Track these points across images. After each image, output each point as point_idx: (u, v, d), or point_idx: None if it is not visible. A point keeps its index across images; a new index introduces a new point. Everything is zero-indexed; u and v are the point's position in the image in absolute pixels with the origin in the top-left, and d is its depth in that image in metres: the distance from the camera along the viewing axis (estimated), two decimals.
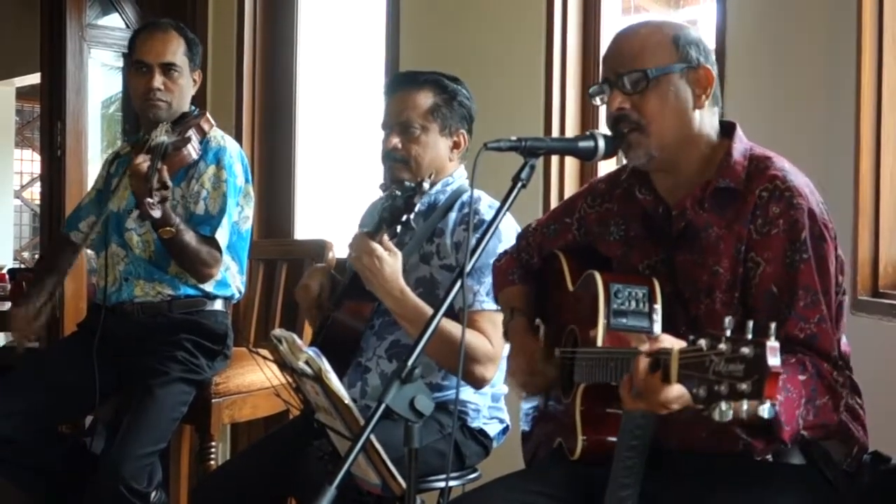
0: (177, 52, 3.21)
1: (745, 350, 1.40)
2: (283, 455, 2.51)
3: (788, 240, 1.83)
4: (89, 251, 3.44)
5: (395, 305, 2.47)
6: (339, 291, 2.68)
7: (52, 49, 4.78)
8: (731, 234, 1.88)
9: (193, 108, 3.30)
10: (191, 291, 3.19)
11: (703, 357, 1.45)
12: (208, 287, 3.21)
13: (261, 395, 3.30)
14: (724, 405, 1.41)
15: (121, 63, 5.03)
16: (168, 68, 3.19)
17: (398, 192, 2.39)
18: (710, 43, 2.15)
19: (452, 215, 2.65)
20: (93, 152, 4.96)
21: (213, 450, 3.23)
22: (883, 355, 2.39)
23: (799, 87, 2.74)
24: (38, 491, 3.16)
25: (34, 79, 7.32)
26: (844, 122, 2.60)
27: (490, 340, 2.50)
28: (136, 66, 3.21)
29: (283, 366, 2.17)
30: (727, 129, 1.97)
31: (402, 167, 2.61)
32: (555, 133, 3.40)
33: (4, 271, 7.37)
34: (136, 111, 3.37)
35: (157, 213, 2.87)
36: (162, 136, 3.08)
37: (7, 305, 6.64)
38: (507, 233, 2.54)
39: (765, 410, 1.40)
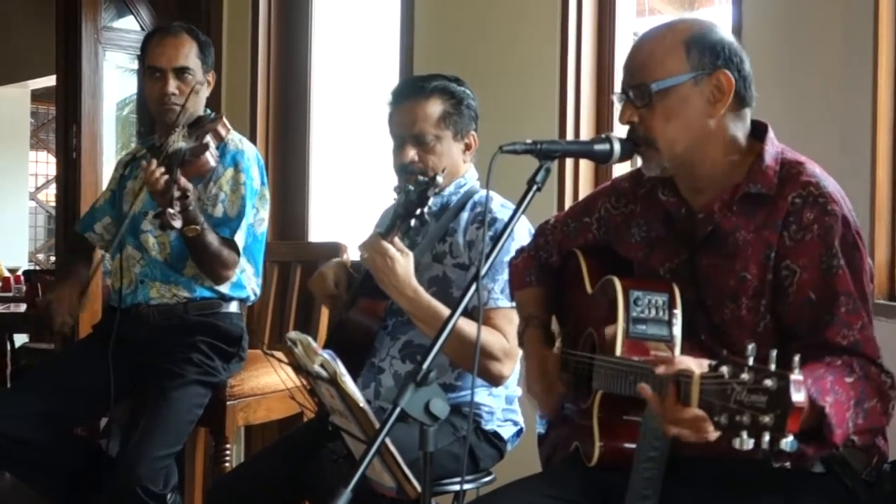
0: (189, 55, 3.21)
1: (769, 382, 1.38)
2: (298, 457, 2.51)
3: (824, 245, 1.79)
4: (104, 253, 3.44)
5: (408, 305, 2.47)
6: (354, 287, 2.68)
7: (67, 51, 4.79)
8: (759, 239, 1.85)
9: (208, 110, 3.31)
10: (206, 293, 3.20)
11: (725, 385, 1.43)
12: (224, 289, 3.21)
13: (275, 397, 3.30)
14: (745, 435, 1.39)
15: (135, 65, 5.04)
16: (181, 72, 3.19)
17: (411, 187, 2.39)
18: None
19: (464, 215, 2.65)
20: (107, 154, 4.97)
21: (227, 452, 3.23)
22: None
23: (815, 88, 2.73)
24: (53, 492, 3.17)
25: (49, 81, 7.35)
26: (861, 124, 2.59)
27: (506, 336, 2.50)
28: (150, 71, 3.22)
29: (298, 368, 2.17)
30: (758, 131, 1.93)
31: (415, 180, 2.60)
32: (569, 135, 3.40)
33: (20, 273, 7.41)
34: (152, 116, 3.37)
35: (178, 224, 2.88)
36: (179, 143, 3.09)
37: (23, 307, 6.70)
38: (521, 233, 2.54)
39: (787, 444, 1.38)
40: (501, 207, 2.61)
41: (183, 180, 2.93)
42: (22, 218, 9.58)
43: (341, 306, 2.68)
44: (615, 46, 3.44)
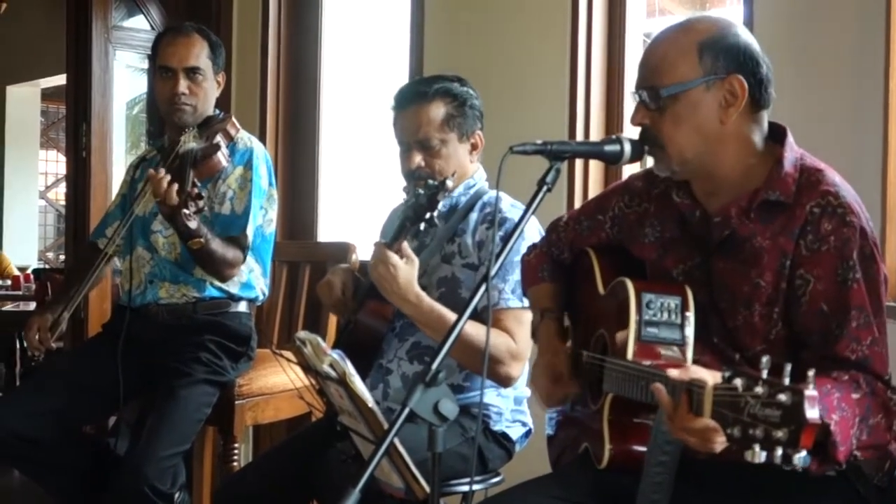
0: (200, 55, 3.21)
1: (783, 397, 1.37)
2: (306, 457, 2.51)
3: (840, 258, 1.78)
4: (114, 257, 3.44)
5: (412, 311, 2.47)
6: (362, 291, 2.68)
7: (77, 51, 4.80)
8: (776, 246, 1.83)
9: (218, 111, 3.31)
10: (216, 293, 3.21)
11: (739, 398, 1.42)
12: (233, 289, 3.22)
13: (284, 397, 3.30)
14: (758, 448, 1.38)
15: (145, 65, 5.05)
16: (192, 72, 3.20)
17: (421, 191, 2.39)
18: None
19: (473, 216, 2.64)
20: (117, 153, 4.98)
21: (235, 451, 3.24)
22: None
23: (826, 86, 2.72)
24: (62, 491, 3.18)
25: (59, 80, 7.38)
26: (873, 124, 2.58)
27: (514, 338, 2.50)
28: (161, 71, 3.22)
29: (307, 368, 2.17)
30: (777, 134, 1.91)
31: (424, 184, 2.60)
32: (579, 136, 3.39)
33: (29, 272, 7.43)
34: (162, 116, 3.38)
35: (193, 224, 2.89)
36: (190, 143, 3.09)
37: (32, 305, 6.72)
38: (531, 233, 2.54)
39: (800, 459, 1.37)
40: (511, 208, 2.61)
41: (197, 183, 2.94)
42: (32, 217, 9.60)
43: (348, 313, 2.68)
44: (625, 47, 3.43)
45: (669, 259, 1.98)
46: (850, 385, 1.71)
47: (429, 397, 1.74)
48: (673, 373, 1.59)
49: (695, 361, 1.79)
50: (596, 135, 3.41)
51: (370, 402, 1.99)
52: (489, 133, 2.70)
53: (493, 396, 2.59)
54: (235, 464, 3.23)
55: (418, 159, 2.60)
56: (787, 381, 1.38)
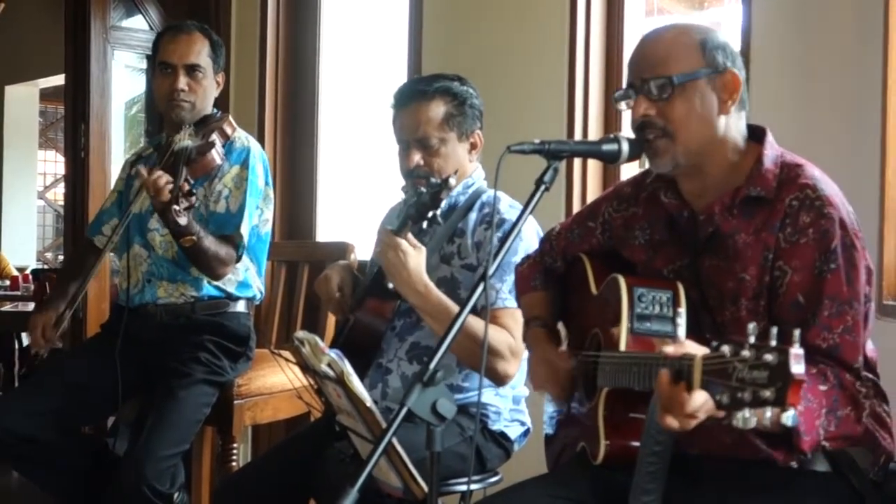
0: (201, 53, 3.22)
1: (769, 357, 1.38)
2: (305, 457, 2.51)
3: (818, 250, 1.80)
4: (111, 253, 3.44)
5: (418, 301, 2.47)
6: (361, 289, 2.68)
7: (75, 51, 4.80)
8: (758, 241, 1.86)
9: (216, 110, 3.31)
10: (214, 292, 3.20)
11: (727, 364, 1.43)
12: (230, 287, 3.22)
13: (282, 396, 3.30)
14: (747, 412, 1.39)
15: (144, 65, 5.05)
16: (192, 69, 3.20)
17: (423, 189, 2.39)
18: (736, 44, 2.10)
19: (472, 216, 2.64)
20: (116, 153, 4.97)
21: (234, 451, 3.24)
22: None
23: (825, 89, 2.72)
24: (61, 491, 3.18)
25: (58, 80, 7.38)
26: (871, 125, 2.58)
27: (512, 335, 2.50)
28: (161, 67, 3.22)
29: (306, 368, 2.17)
30: (756, 134, 1.94)
31: (426, 182, 2.60)
32: (577, 136, 3.39)
33: (28, 272, 7.43)
34: (160, 112, 3.38)
35: (183, 221, 2.89)
36: (186, 141, 3.09)
37: (31, 306, 6.72)
38: (529, 233, 2.54)
39: (788, 418, 1.38)
40: (510, 208, 2.61)
41: (189, 180, 2.93)
42: (30, 217, 9.60)
43: (345, 310, 2.68)
44: (623, 46, 3.44)
45: (659, 260, 2.00)
46: (818, 377, 1.73)
47: (427, 397, 1.74)
48: (668, 349, 1.60)
49: None
50: (594, 134, 3.41)
51: (368, 402, 2.00)
52: (487, 132, 2.70)
53: (491, 396, 2.59)
54: (234, 464, 3.23)
55: (417, 158, 2.60)
56: (773, 343, 1.40)
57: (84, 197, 4.71)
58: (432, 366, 1.75)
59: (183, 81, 3.18)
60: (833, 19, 2.70)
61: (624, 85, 1.96)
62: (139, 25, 4.96)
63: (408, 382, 2.41)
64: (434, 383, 1.74)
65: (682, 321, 1.83)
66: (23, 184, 9.38)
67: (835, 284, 1.80)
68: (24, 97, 9.22)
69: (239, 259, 3.16)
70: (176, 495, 2.99)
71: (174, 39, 3.22)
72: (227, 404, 3.19)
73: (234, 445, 3.24)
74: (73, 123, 4.84)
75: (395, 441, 1.85)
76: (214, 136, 3.14)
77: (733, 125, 1.92)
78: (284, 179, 4.61)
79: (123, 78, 5.24)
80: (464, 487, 2.48)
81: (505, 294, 2.52)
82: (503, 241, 1.88)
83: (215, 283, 3.18)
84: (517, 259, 2.41)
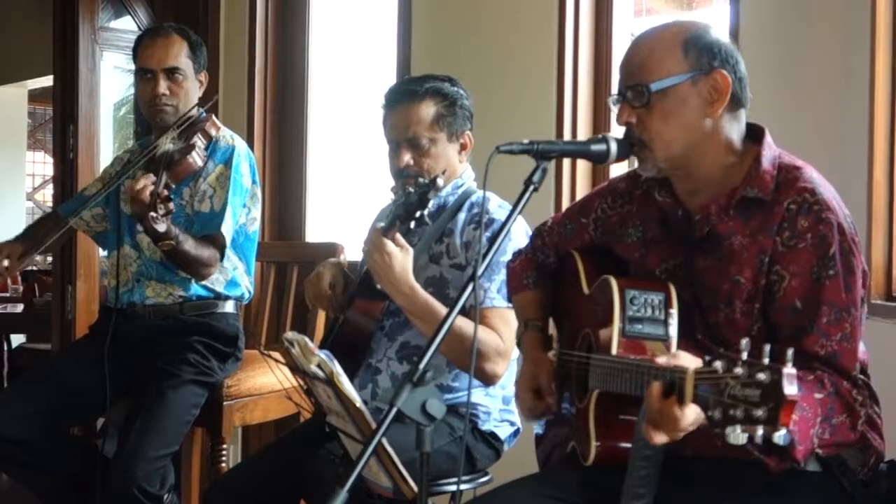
0: (179, 55, 3.20)
1: (762, 376, 1.38)
2: (295, 458, 2.51)
3: (816, 255, 1.79)
4: (101, 253, 3.44)
5: (404, 302, 2.47)
6: (351, 288, 2.68)
7: (64, 52, 4.79)
8: (755, 243, 1.84)
9: (202, 110, 3.29)
10: (202, 292, 3.20)
11: (719, 380, 1.43)
12: (219, 287, 3.21)
13: (272, 397, 3.30)
14: (739, 429, 1.39)
15: (132, 66, 5.03)
16: (172, 72, 3.18)
17: (412, 189, 2.39)
18: None
19: (461, 216, 2.65)
20: (104, 155, 4.97)
21: (224, 452, 3.23)
22: None
23: (812, 88, 2.73)
24: (49, 493, 3.17)
25: (46, 81, 7.35)
26: (858, 125, 2.59)
27: (501, 336, 2.50)
28: (140, 73, 3.21)
29: (295, 369, 2.17)
30: (755, 134, 1.92)
31: (415, 182, 2.60)
32: (566, 135, 3.40)
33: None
34: (145, 118, 3.37)
35: (161, 227, 2.88)
36: (167, 145, 3.09)
37: (20, 307, 6.70)
38: (518, 233, 2.54)
39: (780, 437, 1.38)
40: (499, 208, 2.61)
41: (166, 187, 2.93)
42: (19, 218, 9.55)
43: (335, 308, 2.68)
44: (612, 46, 3.44)
45: (652, 258, 1.99)
46: (814, 385, 1.72)
47: (416, 397, 1.74)
48: (660, 360, 1.60)
49: None
50: (583, 134, 3.41)
51: (358, 402, 2.00)
52: (476, 132, 2.70)
53: (481, 396, 2.59)
54: (224, 465, 3.22)
55: (407, 157, 2.60)
56: (766, 361, 1.39)
57: None
58: (422, 366, 1.75)
59: (164, 86, 3.17)
60: (821, 19, 2.71)
61: (615, 90, 1.96)
62: (128, 26, 4.95)
63: (397, 382, 2.42)
64: (423, 383, 1.74)
65: (673, 322, 1.83)
66: (11, 185, 9.35)
67: (833, 291, 1.78)
68: (13, 98, 9.19)
69: (222, 258, 3.15)
70: (166, 497, 2.98)
71: (151, 44, 3.21)
72: (217, 405, 3.18)
73: (224, 446, 3.23)
74: (61, 125, 4.83)
75: (384, 441, 1.85)
76: (196, 139, 3.13)
77: (725, 125, 1.89)
78: (274, 180, 4.61)
79: (112, 79, 5.24)
80: (454, 488, 2.47)
81: (493, 294, 2.52)
82: (492, 240, 1.89)
83: (202, 282, 3.18)
84: (506, 258, 2.40)
